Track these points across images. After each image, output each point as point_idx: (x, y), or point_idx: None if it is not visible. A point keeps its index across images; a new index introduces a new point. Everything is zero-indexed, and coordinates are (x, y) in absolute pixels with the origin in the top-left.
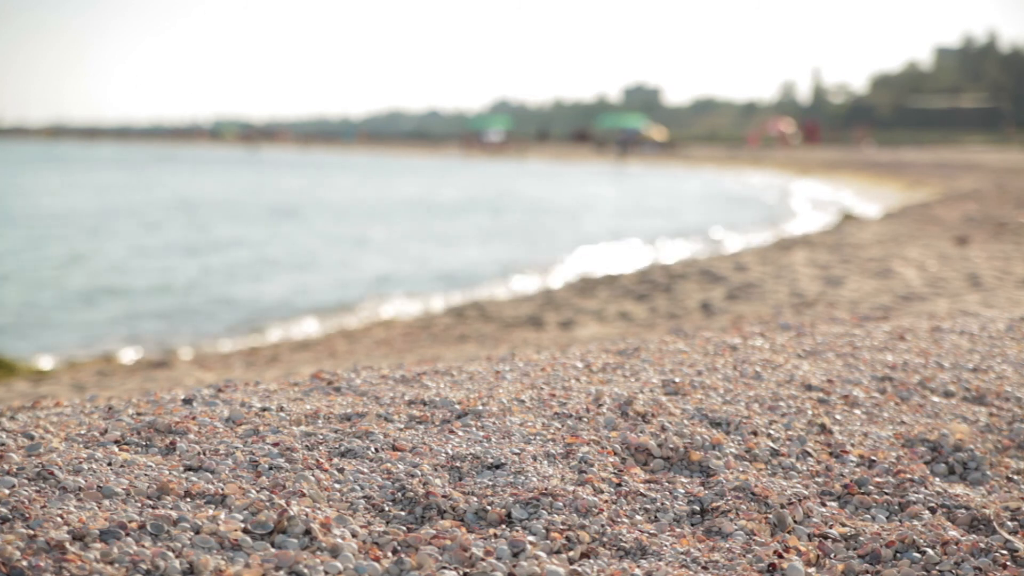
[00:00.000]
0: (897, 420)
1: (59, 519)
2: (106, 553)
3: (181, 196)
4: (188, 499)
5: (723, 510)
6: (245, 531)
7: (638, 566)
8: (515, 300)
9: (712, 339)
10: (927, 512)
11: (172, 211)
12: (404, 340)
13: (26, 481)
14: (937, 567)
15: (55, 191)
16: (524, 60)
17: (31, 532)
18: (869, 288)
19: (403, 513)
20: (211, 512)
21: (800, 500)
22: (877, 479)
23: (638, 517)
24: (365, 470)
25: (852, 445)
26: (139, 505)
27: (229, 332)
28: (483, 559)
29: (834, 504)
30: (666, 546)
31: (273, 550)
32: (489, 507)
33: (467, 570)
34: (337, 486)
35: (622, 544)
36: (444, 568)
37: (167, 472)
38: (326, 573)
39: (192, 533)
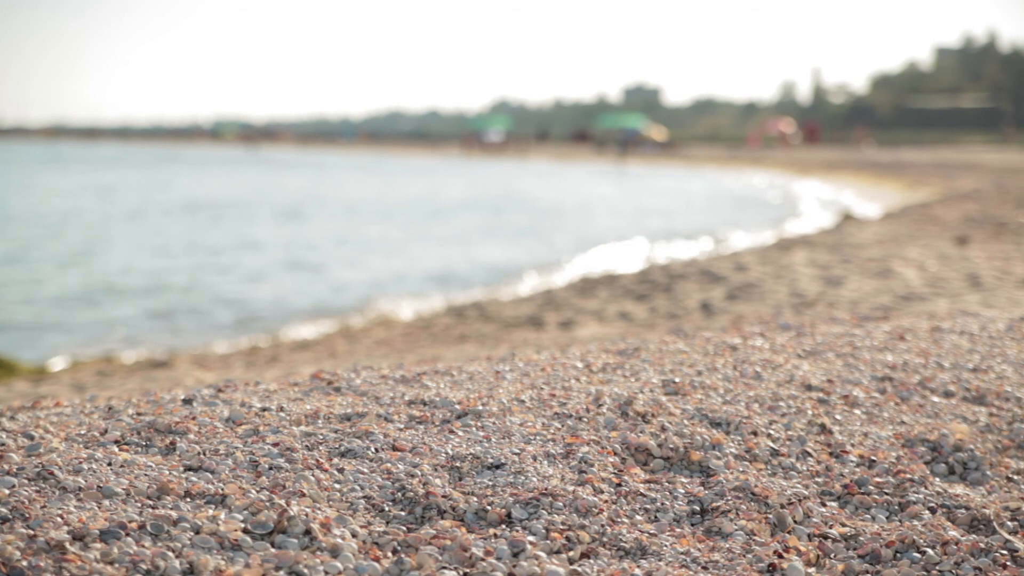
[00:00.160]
0: (897, 420)
1: (59, 519)
2: (106, 553)
3: (182, 196)
4: (188, 499)
5: (723, 510)
6: (245, 531)
7: (638, 566)
8: (515, 300)
9: (712, 339)
10: (927, 512)
11: (173, 211)
12: (404, 340)
13: (26, 481)
14: (937, 567)
15: (56, 191)
16: (524, 60)
17: (31, 532)
18: (869, 288)
19: (403, 513)
20: (211, 512)
21: (800, 500)
22: (877, 479)
23: (638, 517)
24: (365, 470)
25: (852, 445)
26: (139, 505)
27: (229, 332)
28: (483, 559)
29: (834, 504)
30: (666, 546)
31: (273, 550)
32: (489, 507)
33: (467, 570)
34: (337, 486)
35: (622, 544)
36: (444, 568)
37: (167, 472)
38: (326, 573)
39: (192, 533)
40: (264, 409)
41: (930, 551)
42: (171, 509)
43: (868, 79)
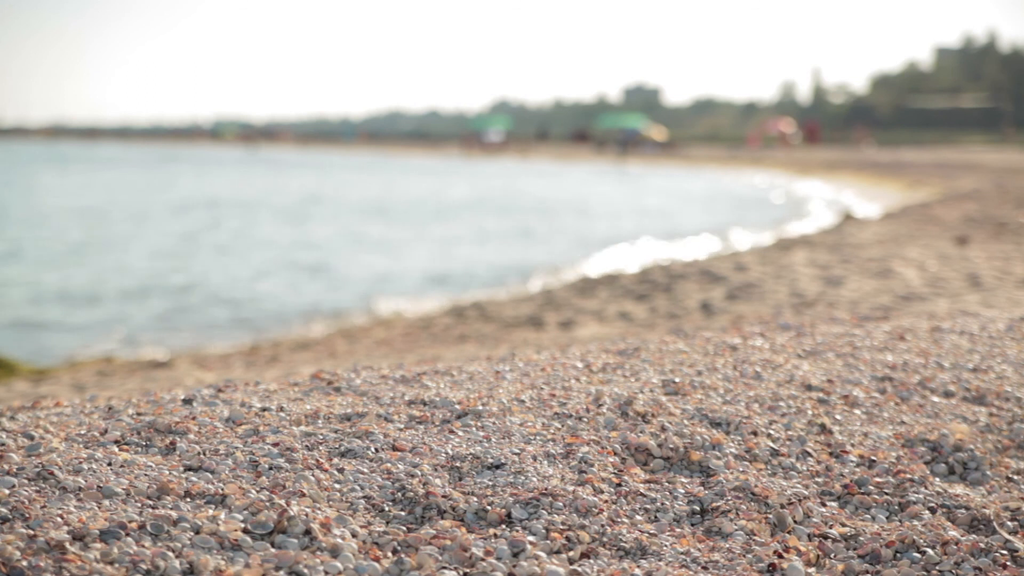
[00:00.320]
0: (897, 420)
1: (59, 519)
2: (106, 553)
3: (183, 196)
4: (188, 499)
5: (723, 510)
6: (245, 531)
7: (638, 566)
8: (515, 300)
9: (712, 339)
10: (927, 512)
11: (173, 211)
12: (404, 340)
13: (26, 481)
14: (937, 567)
15: (57, 191)
16: (524, 60)
17: (31, 532)
18: (869, 288)
19: (403, 513)
20: (211, 512)
21: (800, 500)
22: (877, 479)
23: (638, 517)
24: (365, 470)
25: (852, 445)
26: (139, 505)
27: (229, 332)
28: (483, 559)
29: (834, 504)
30: (666, 546)
31: (273, 550)
32: (489, 507)
33: (467, 570)
34: (337, 486)
35: (622, 544)
36: (444, 568)
37: (167, 472)
38: (326, 573)
39: (192, 533)
40: (264, 409)
41: (930, 551)
42: (171, 509)
43: (868, 79)
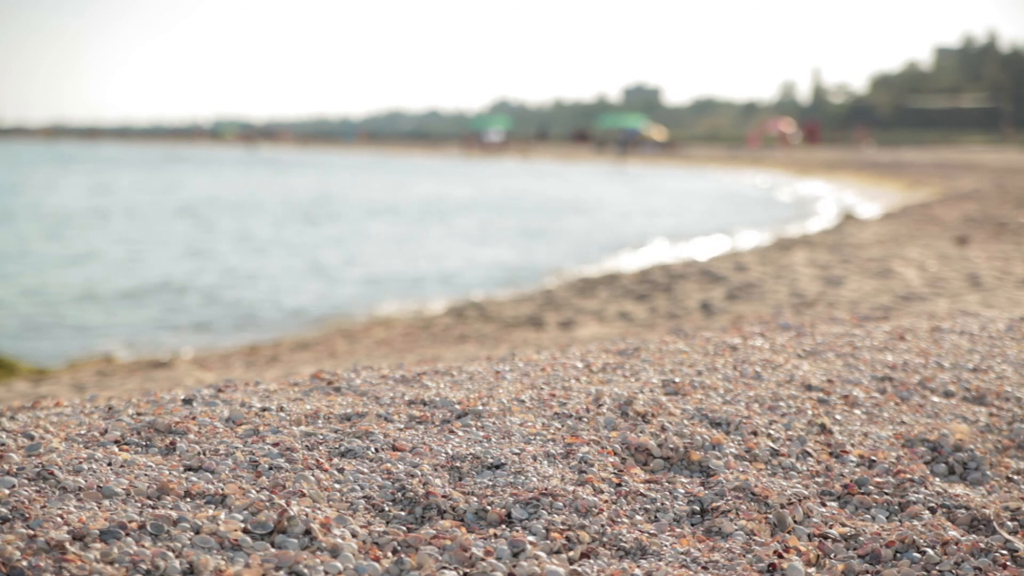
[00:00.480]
0: (897, 420)
1: (59, 519)
2: (106, 553)
3: (183, 196)
4: (188, 499)
5: (723, 510)
6: (245, 531)
7: (638, 566)
8: (515, 300)
9: (712, 339)
10: (927, 512)
11: (174, 211)
12: (404, 340)
13: (26, 481)
14: (937, 567)
15: (58, 190)
16: (524, 60)
17: (31, 532)
18: (869, 288)
19: (403, 513)
20: (211, 512)
21: (800, 500)
22: (877, 479)
23: (638, 517)
24: (365, 470)
25: (852, 445)
26: (139, 505)
27: (229, 332)
28: (483, 559)
29: (834, 504)
30: (666, 546)
31: (273, 550)
32: (489, 507)
33: (467, 570)
34: (337, 486)
35: (622, 544)
36: (444, 568)
37: (167, 472)
38: (326, 573)
39: (192, 533)
40: (264, 409)
41: (930, 551)
42: (171, 509)
43: (868, 79)
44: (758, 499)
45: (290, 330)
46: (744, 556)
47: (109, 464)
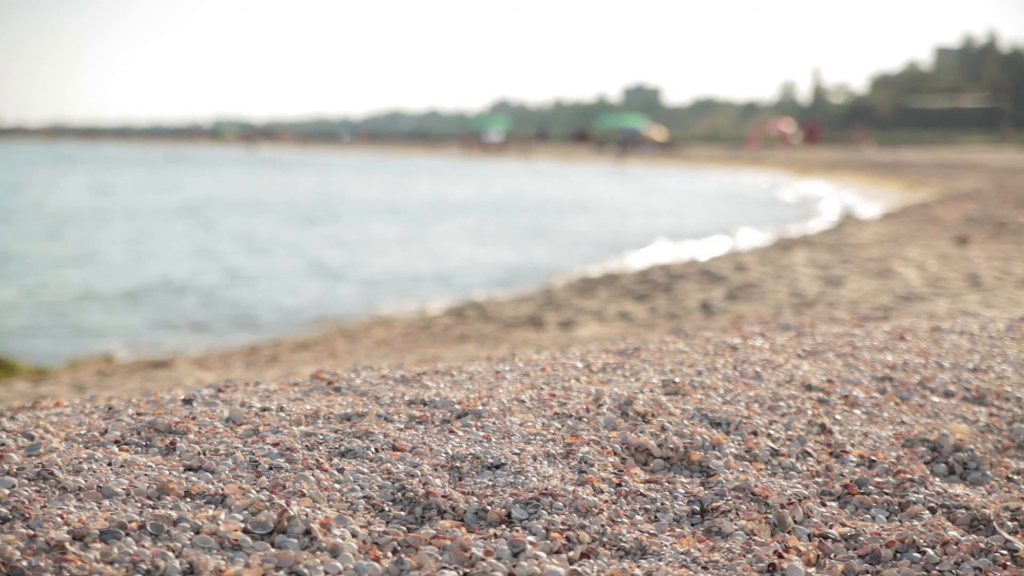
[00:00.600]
0: (897, 420)
1: (59, 519)
2: (106, 553)
3: (185, 197)
4: (188, 499)
5: (723, 510)
6: (245, 531)
7: (638, 566)
8: (515, 300)
9: (712, 339)
10: (927, 512)
11: (174, 211)
12: (404, 340)
13: (26, 481)
14: (937, 567)
15: (59, 191)
16: (524, 60)
17: (31, 532)
18: (869, 288)
19: (403, 513)
20: (211, 512)
21: (800, 500)
22: (877, 479)
23: (638, 517)
24: (365, 470)
25: (852, 445)
26: (139, 505)
27: (229, 332)
28: (483, 559)
29: (834, 504)
30: (666, 546)
31: (273, 550)
32: (489, 507)
33: (467, 570)
34: (337, 486)
35: (622, 544)
36: (444, 568)
37: (167, 472)
38: (326, 573)
39: (192, 533)
40: (264, 409)
41: (930, 551)
42: (171, 509)
43: (868, 79)
44: (758, 499)
45: (290, 330)
46: (744, 556)
47: (109, 464)
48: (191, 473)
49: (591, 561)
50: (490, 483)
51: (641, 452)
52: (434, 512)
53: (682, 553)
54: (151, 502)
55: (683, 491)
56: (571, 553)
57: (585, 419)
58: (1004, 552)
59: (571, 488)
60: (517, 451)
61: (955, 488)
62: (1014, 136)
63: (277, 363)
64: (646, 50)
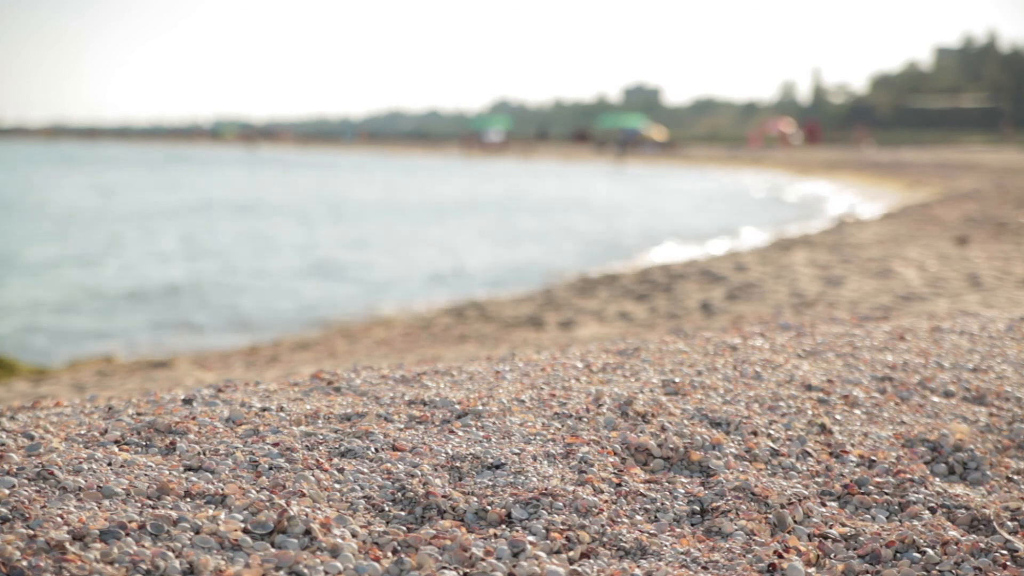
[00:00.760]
0: (897, 420)
1: (59, 519)
2: (106, 553)
3: (184, 197)
4: (188, 499)
5: (723, 510)
6: (245, 531)
7: (638, 566)
8: (515, 300)
9: (712, 339)
10: (927, 512)
11: (174, 211)
12: (404, 340)
13: (26, 481)
14: (937, 567)
15: (60, 191)
16: (524, 60)
17: (31, 532)
18: (869, 288)
19: (403, 513)
20: (211, 512)
21: (800, 500)
22: (877, 479)
23: (638, 517)
24: (365, 470)
25: (852, 445)
26: (139, 505)
27: (229, 332)
28: (483, 559)
29: (834, 504)
30: (666, 546)
31: (273, 550)
32: (489, 507)
33: (467, 570)
34: (337, 486)
35: (622, 544)
36: (444, 568)
37: (167, 472)
38: (326, 573)
39: (192, 533)
40: (264, 409)
41: (930, 551)
42: (171, 509)
43: (868, 79)
44: (758, 499)
45: (290, 330)
46: (744, 556)
47: (109, 464)
48: (191, 473)
49: (591, 561)
50: (490, 483)
51: (641, 452)
52: (434, 512)
53: (682, 553)
54: (151, 502)
55: (683, 491)
56: (571, 553)
57: (585, 419)
58: (1004, 552)
59: (571, 488)
60: (517, 451)
61: (955, 488)
62: (1014, 136)
63: (277, 363)
64: (646, 50)
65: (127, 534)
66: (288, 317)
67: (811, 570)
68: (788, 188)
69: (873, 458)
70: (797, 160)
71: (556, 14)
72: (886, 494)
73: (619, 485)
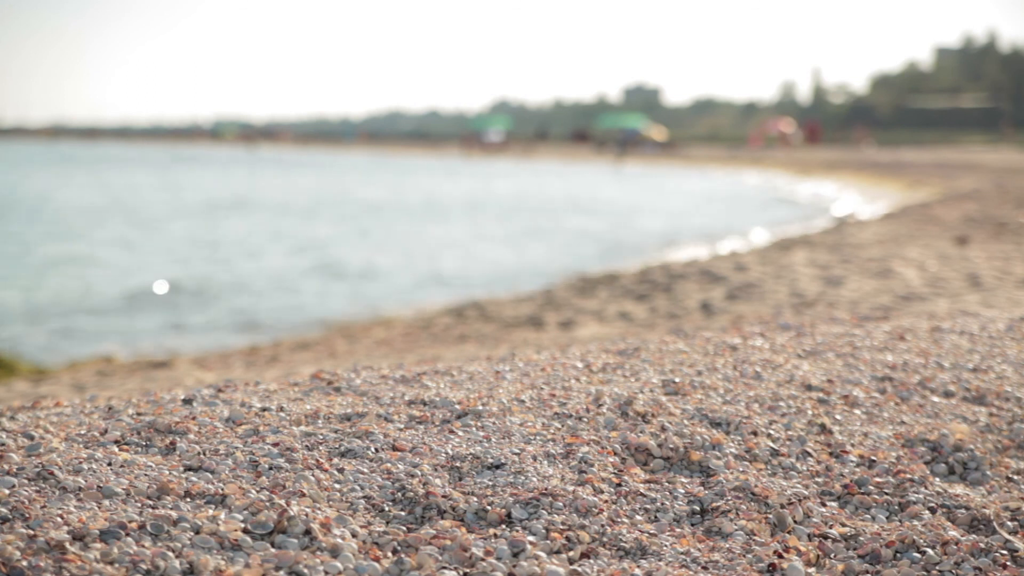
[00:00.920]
0: (897, 420)
1: (59, 519)
2: (106, 553)
3: (184, 196)
4: (188, 499)
5: (723, 510)
6: (245, 531)
7: (638, 566)
8: (515, 300)
9: (712, 339)
10: (927, 512)
11: (174, 211)
12: (404, 340)
13: (26, 481)
14: (937, 567)
15: (59, 190)
16: (524, 60)
17: (31, 532)
18: (869, 288)
19: (403, 513)
20: (211, 512)
21: (800, 500)
22: (877, 479)
23: (638, 517)
24: (365, 470)
25: (852, 445)
26: (139, 505)
27: (229, 332)
28: (483, 559)
29: (834, 504)
30: (666, 546)
31: (273, 550)
32: (489, 507)
33: (467, 570)
34: (337, 486)
35: (622, 544)
36: (444, 568)
37: (167, 472)
38: (326, 573)
39: (192, 533)
40: (264, 409)
41: (930, 551)
42: (171, 509)
43: (868, 79)
44: (758, 499)
45: (290, 330)
46: (744, 556)
47: (109, 464)
48: (191, 473)
49: (591, 561)
50: (490, 483)
51: (641, 452)
52: (434, 512)
53: (682, 553)
54: (151, 502)
55: (683, 491)
56: (571, 553)
57: (585, 419)
58: (1004, 552)
59: (571, 488)
60: (517, 451)
61: (955, 488)
62: (1014, 136)
63: (277, 363)
64: (646, 50)
65: (127, 534)
66: (288, 317)
67: (811, 570)
68: (788, 188)
69: (873, 458)
70: (797, 160)
71: (556, 14)
72: (886, 494)
73: (619, 485)
